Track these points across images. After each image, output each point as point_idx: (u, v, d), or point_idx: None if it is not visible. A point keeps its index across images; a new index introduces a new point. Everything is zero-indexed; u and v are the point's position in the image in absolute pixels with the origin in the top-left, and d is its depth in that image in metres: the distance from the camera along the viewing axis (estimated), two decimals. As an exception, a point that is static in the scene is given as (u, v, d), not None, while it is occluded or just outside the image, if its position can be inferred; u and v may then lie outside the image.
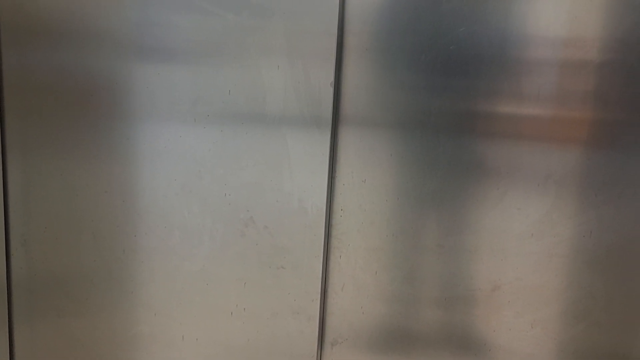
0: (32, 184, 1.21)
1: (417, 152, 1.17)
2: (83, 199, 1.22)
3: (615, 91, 1.11)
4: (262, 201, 1.20)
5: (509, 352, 1.25)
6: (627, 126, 1.13)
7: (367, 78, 1.14)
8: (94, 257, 1.25)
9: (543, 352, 1.24)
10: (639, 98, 1.11)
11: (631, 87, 1.11)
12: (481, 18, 1.10)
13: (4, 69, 1.15)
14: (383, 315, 1.26)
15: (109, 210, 1.22)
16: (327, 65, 1.12)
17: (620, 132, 1.13)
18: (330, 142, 1.16)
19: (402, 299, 1.24)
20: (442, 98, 1.14)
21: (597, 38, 1.09)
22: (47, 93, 1.17)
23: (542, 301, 1.21)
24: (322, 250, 1.21)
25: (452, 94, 1.13)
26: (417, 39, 1.12)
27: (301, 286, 1.24)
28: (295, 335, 1.26)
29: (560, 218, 1.17)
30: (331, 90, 1.13)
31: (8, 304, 1.26)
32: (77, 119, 1.18)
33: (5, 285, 1.25)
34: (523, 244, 1.19)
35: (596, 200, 1.16)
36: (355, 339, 1.27)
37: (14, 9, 1.13)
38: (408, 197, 1.19)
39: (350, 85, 1.15)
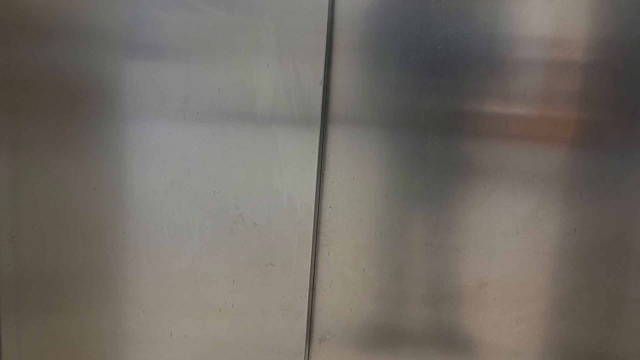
0: (21, 180, 1.20)
1: (406, 150, 1.17)
2: (72, 195, 1.21)
3: (600, 92, 1.12)
4: (252, 198, 1.20)
5: (494, 349, 1.26)
6: (612, 126, 1.14)
7: (356, 77, 1.15)
8: (82, 254, 1.24)
9: (528, 348, 1.25)
10: (623, 99, 1.12)
11: (615, 88, 1.12)
12: (469, 19, 1.10)
13: (-9, 64, 1.14)
14: (371, 312, 1.26)
15: (97, 207, 1.22)
16: (316, 64, 1.13)
17: (605, 132, 1.14)
18: (320, 140, 1.17)
19: (390, 296, 1.25)
20: (431, 97, 1.14)
21: (583, 40, 1.10)
22: (36, 90, 1.16)
23: (527, 298, 1.22)
24: (310, 248, 1.22)
25: (441, 93, 1.14)
26: (406, 38, 1.12)
27: (290, 283, 1.24)
28: (284, 332, 1.26)
29: (545, 216, 1.18)
30: (320, 88, 1.14)
31: (-5, 301, 1.26)
32: (66, 115, 1.17)
33: (-7, 282, 1.24)
34: (509, 242, 1.20)
35: (581, 199, 1.17)
36: (343, 335, 1.27)
37: (3, 4, 1.12)
38: (396, 195, 1.20)
39: (340, 83, 1.15)
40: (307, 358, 1.29)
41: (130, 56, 1.15)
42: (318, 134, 1.16)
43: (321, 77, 1.13)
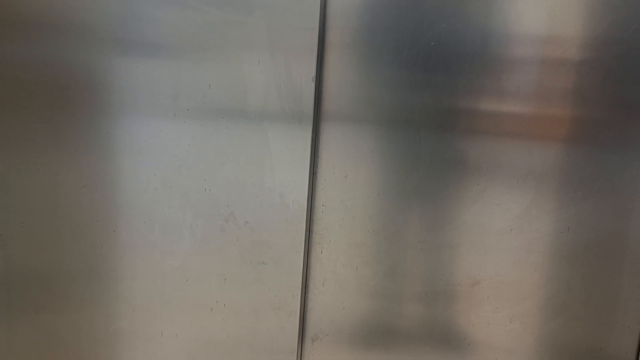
0: (10, 178, 1.19)
1: (399, 148, 1.17)
2: (61, 193, 1.20)
3: (593, 89, 1.12)
4: (243, 196, 1.19)
5: (488, 347, 1.26)
6: (606, 123, 1.14)
7: (349, 74, 1.14)
8: (72, 252, 1.23)
9: (522, 347, 1.25)
10: (616, 96, 1.12)
11: (609, 86, 1.12)
12: (463, 15, 1.10)
13: (-20, 61, 1.13)
14: (364, 311, 1.26)
15: (88, 205, 1.21)
16: (308, 61, 1.12)
17: (599, 129, 1.14)
18: (312, 138, 1.16)
19: (383, 295, 1.24)
20: (424, 94, 1.14)
21: (577, 37, 1.10)
22: (25, 87, 1.15)
23: (520, 296, 1.22)
24: (303, 246, 1.21)
25: (434, 91, 1.14)
26: (399, 35, 1.12)
27: (282, 282, 1.23)
28: (276, 330, 1.26)
29: (539, 214, 1.18)
30: (313, 85, 1.13)
31: (-15, 300, 1.25)
32: (56, 113, 1.16)
33: (-18, 281, 1.23)
34: (503, 240, 1.20)
35: (575, 196, 1.17)
36: (336, 334, 1.27)
37: (-10, 0, 1.11)
38: (389, 193, 1.19)
39: (332, 81, 1.15)
40: (299, 357, 1.29)
41: (120, 53, 1.14)
42: (310, 131, 1.15)
43: (313, 73, 1.13)
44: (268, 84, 1.13)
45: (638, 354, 1.23)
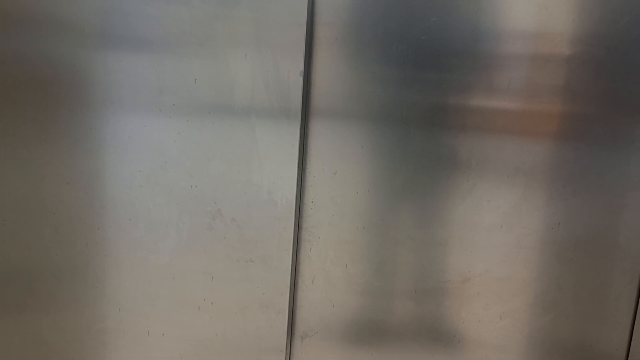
0: (-9, 175, 1.18)
1: (388, 144, 1.17)
2: (44, 190, 1.19)
3: (584, 85, 1.12)
4: (230, 193, 1.18)
5: (478, 344, 1.26)
6: (596, 119, 1.14)
7: (337, 69, 1.13)
8: (56, 250, 1.22)
9: (512, 344, 1.25)
10: (607, 91, 1.12)
11: (600, 81, 1.12)
12: (453, 9, 1.09)
13: (-41, 55, 1.11)
14: (354, 308, 1.25)
15: (71, 203, 1.19)
16: (296, 55, 1.11)
17: (589, 125, 1.14)
18: (300, 133, 1.15)
19: (373, 292, 1.24)
20: (413, 90, 1.13)
21: (567, 31, 1.10)
22: (7, 82, 1.13)
23: (510, 293, 1.22)
24: (291, 243, 1.20)
25: (423, 86, 1.13)
26: (388, 29, 1.11)
27: (270, 280, 1.22)
28: (265, 329, 1.25)
29: (529, 210, 1.18)
30: (301, 80, 1.12)
31: (-33, 300, 1.23)
32: (39, 108, 1.15)
33: (-37, 280, 1.21)
34: (492, 236, 1.20)
35: (564, 192, 1.17)
36: (326, 332, 1.27)
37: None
38: (379, 189, 1.19)
39: (321, 76, 1.14)
40: (288, 355, 1.28)
41: (104, 47, 1.12)
42: (298, 127, 1.14)
43: (301, 68, 1.11)
44: (255, 79, 1.12)
45: (628, 351, 1.24)
